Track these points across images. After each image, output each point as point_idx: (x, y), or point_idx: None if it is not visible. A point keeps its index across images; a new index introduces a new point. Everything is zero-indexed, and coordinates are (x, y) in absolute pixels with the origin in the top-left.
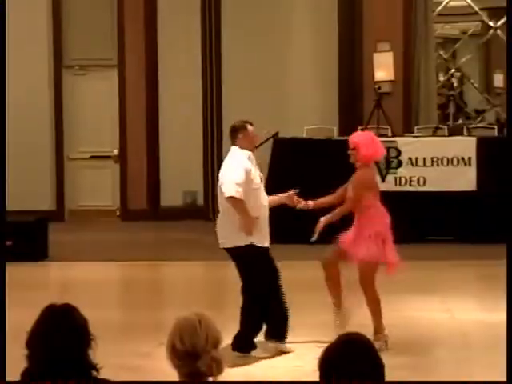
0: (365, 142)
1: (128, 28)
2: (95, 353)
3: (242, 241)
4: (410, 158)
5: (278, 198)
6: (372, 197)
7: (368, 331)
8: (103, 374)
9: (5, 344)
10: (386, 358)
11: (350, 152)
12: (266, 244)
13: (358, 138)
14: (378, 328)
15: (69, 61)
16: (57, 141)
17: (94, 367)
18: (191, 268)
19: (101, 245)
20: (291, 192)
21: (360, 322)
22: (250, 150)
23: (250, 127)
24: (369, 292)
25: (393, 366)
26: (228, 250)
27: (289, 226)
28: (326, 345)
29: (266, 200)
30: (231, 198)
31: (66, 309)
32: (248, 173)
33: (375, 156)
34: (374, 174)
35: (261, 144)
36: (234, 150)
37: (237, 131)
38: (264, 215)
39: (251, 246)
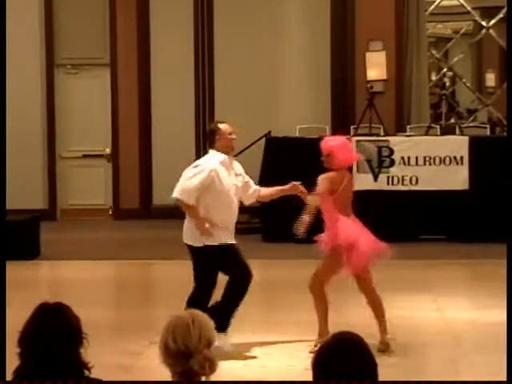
0: (339, 147)
1: (120, 26)
2: (87, 351)
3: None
4: (402, 158)
5: (278, 190)
6: (330, 203)
7: (358, 330)
8: (94, 373)
9: (5, 344)
10: (377, 357)
11: (323, 159)
12: (230, 241)
13: (332, 143)
14: (321, 331)
15: (61, 59)
16: (49, 139)
17: (86, 366)
18: (183, 267)
19: (93, 243)
20: (293, 183)
21: (352, 321)
22: (228, 150)
23: (222, 126)
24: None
25: (384, 365)
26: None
27: (285, 225)
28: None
29: (235, 203)
30: (178, 199)
31: (59, 307)
32: (212, 175)
33: (350, 161)
34: (342, 181)
35: (252, 143)
36: (211, 153)
37: (212, 134)
38: (232, 216)
39: (208, 247)
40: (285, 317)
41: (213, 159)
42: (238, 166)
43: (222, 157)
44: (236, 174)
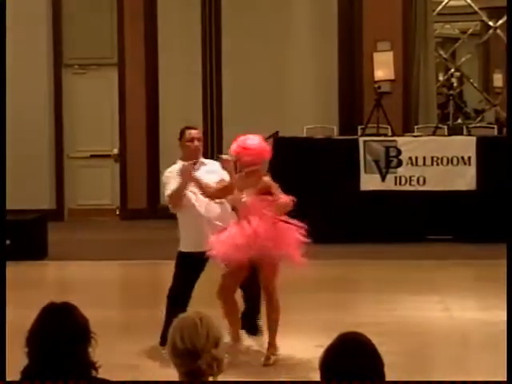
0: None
1: (128, 26)
2: (95, 351)
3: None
4: (409, 158)
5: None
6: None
7: (365, 330)
8: (102, 373)
9: (5, 344)
10: (385, 358)
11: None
12: (195, 249)
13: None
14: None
15: (68, 59)
16: (56, 140)
17: (94, 366)
18: None
19: (100, 244)
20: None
21: (359, 321)
22: (190, 158)
23: (187, 132)
24: None
25: (391, 365)
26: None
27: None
28: (324, 344)
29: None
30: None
31: (66, 307)
32: (170, 181)
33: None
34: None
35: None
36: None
37: (179, 138)
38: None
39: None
40: (284, 317)
41: (169, 170)
42: (211, 166)
43: (179, 165)
44: (208, 172)
